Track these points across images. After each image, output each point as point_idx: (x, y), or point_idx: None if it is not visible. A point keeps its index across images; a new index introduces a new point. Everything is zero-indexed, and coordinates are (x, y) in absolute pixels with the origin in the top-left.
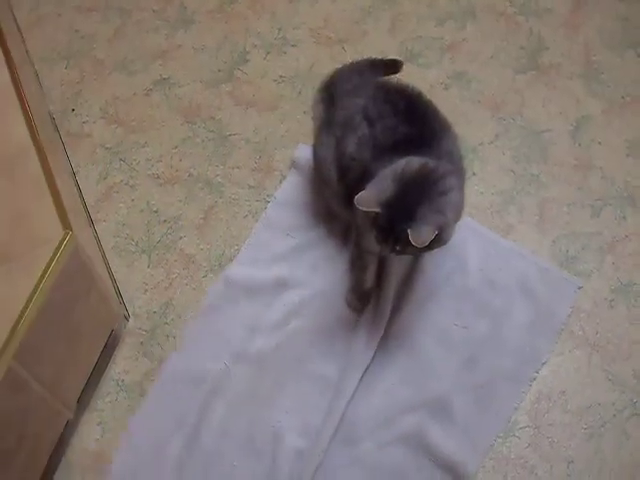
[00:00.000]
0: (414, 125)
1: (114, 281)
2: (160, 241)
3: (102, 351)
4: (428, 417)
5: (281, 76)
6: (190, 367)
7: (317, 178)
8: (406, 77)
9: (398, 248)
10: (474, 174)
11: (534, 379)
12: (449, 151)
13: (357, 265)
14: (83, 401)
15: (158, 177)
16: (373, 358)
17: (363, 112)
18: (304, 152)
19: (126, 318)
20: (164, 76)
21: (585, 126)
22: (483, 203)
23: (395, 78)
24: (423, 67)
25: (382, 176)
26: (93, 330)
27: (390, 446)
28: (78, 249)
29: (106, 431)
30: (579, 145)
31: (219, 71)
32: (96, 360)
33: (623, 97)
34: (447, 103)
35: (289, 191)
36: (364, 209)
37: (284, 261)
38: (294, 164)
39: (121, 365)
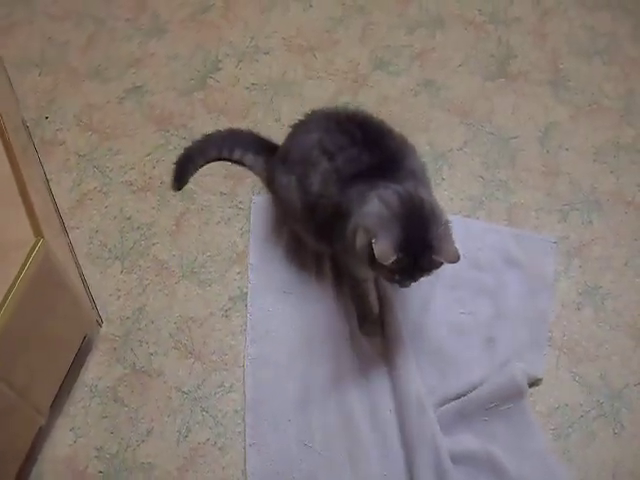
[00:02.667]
0: (374, 151)
1: (87, 287)
2: (133, 247)
3: (75, 357)
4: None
5: (253, 84)
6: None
7: (287, 220)
8: (376, 85)
9: (424, 275)
10: (443, 179)
11: (550, 339)
12: (412, 169)
13: (359, 294)
14: (56, 407)
15: (131, 184)
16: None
17: (319, 146)
18: (259, 207)
19: (99, 324)
20: (137, 84)
21: (553, 132)
22: (452, 208)
23: (342, 103)
24: (393, 75)
25: (374, 225)
26: (66, 336)
27: (451, 431)
28: (49, 255)
29: (79, 437)
30: (547, 151)
31: (191, 79)
32: (69, 366)
33: (590, 104)
34: (416, 110)
35: (261, 250)
36: (387, 263)
37: (292, 320)
38: (254, 222)
39: (94, 371)
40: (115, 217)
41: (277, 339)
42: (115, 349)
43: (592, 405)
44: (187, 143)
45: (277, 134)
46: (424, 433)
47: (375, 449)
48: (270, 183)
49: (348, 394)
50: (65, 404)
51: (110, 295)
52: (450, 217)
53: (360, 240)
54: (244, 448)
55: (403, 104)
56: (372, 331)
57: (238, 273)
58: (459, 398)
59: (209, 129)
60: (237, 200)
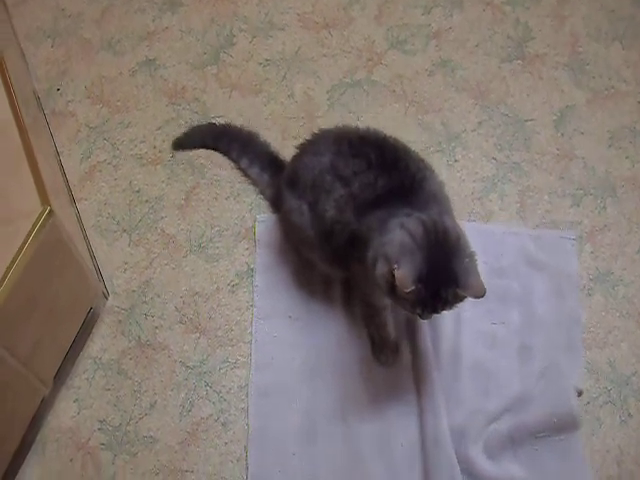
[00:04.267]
0: (392, 175)
1: (94, 259)
2: (141, 221)
3: (80, 328)
4: (514, 416)
5: (267, 60)
6: None
7: (296, 243)
8: (391, 64)
9: (445, 309)
10: (456, 160)
11: (584, 340)
12: (433, 193)
13: (375, 322)
14: (60, 378)
15: (141, 157)
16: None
17: (332, 171)
18: (264, 225)
19: (105, 296)
20: (150, 57)
21: (569, 116)
22: (464, 190)
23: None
24: (408, 54)
25: (395, 254)
26: (71, 307)
27: (497, 457)
28: (57, 225)
29: (82, 408)
30: (562, 135)
31: (205, 54)
32: (74, 337)
33: (607, 88)
34: (431, 90)
35: (267, 273)
36: (407, 292)
37: (299, 347)
38: (258, 242)
39: (99, 343)
40: (124, 190)
41: (282, 367)
42: (120, 322)
43: (600, 392)
44: (199, 117)
45: (290, 110)
46: (441, 470)
47: None
48: (276, 204)
49: (355, 428)
50: (69, 376)
51: (117, 268)
52: (470, 227)
53: (380, 268)
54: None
55: (418, 84)
56: (389, 360)
57: (246, 249)
58: (504, 415)
59: (221, 104)
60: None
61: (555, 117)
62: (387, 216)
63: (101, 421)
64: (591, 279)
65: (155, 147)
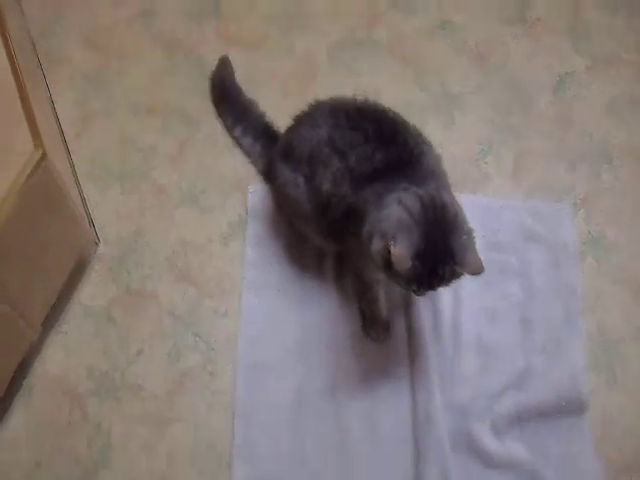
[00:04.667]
0: (389, 148)
1: (86, 206)
2: (134, 170)
3: (70, 274)
4: (518, 392)
5: (268, 14)
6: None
7: (289, 216)
8: (392, 23)
9: (442, 286)
10: (453, 123)
11: (581, 311)
12: (431, 168)
13: (367, 298)
14: (48, 324)
15: (136, 107)
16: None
17: (330, 144)
18: (256, 197)
19: (96, 243)
20: (148, 6)
21: (568, 82)
22: (460, 151)
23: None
24: (409, 14)
25: (392, 229)
26: (61, 252)
27: (503, 435)
28: (49, 168)
29: (70, 355)
30: (560, 100)
31: (204, 6)
32: (63, 283)
33: (608, 57)
34: (431, 51)
35: (258, 245)
36: (404, 269)
37: (289, 322)
38: (250, 214)
39: (88, 290)
40: (117, 139)
41: (271, 342)
42: (111, 269)
43: (588, 356)
44: (195, 69)
45: (290, 67)
46: (430, 451)
47: (372, 466)
48: (268, 176)
49: (345, 406)
50: (58, 322)
51: (108, 216)
52: (466, 201)
53: (376, 244)
54: (230, 452)
55: (418, 44)
56: (380, 337)
57: (239, 201)
58: (508, 391)
59: (219, 57)
60: None
61: (554, 82)
62: (384, 190)
63: (89, 368)
64: (584, 244)
65: (150, 97)
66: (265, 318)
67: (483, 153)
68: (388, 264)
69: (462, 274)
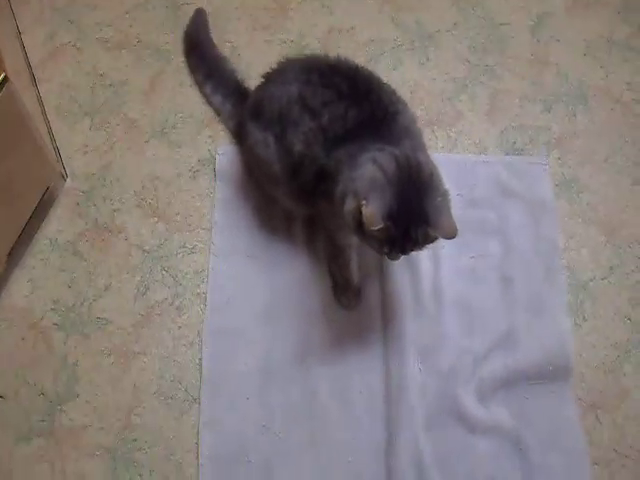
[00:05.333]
0: (363, 107)
1: (53, 140)
2: (104, 104)
3: (36, 208)
4: (504, 354)
5: None
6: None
7: (259, 178)
8: None
9: (415, 249)
10: (429, 59)
11: (564, 266)
12: (406, 127)
13: (339, 263)
14: (14, 257)
15: (106, 41)
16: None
17: (300, 102)
18: (225, 159)
19: (63, 178)
20: None
21: (546, 22)
22: (435, 89)
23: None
24: None
25: (364, 188)
26: (27, 184)
27: (488, 400)
28: (13, 94)
29: (36, 289)
30: (537, 41)
31: None
32: (29, 216)
33: None
34: None
35: (227, 209)
36: (375, 229)
37: (258, 287)
38: (218, 176)
39: (55, 224)
40: (87, 73)
41: (239, 308)
42: (78, 204)
43: None
44: (167, 3)
45: (260, 1)
46: (402, 419)
47: (340, 433)
48: (238, 136)
49: (314, 372)
50: (23, 255)
51: (77, 150)
52: (440, 159)
53: (348, 205)
54: (198, 419)
55: None
56: (351, 303)
57: (209, 136)
58: (493, 353)
59: None
60: None
61: (532, 23)
62: (358, 150)
63: (54, 301)
64: (556, 184)
65: (121, 31)
66: (233, 284)
67: (457, 91)
68: (360, 225)
69: (436, 238)
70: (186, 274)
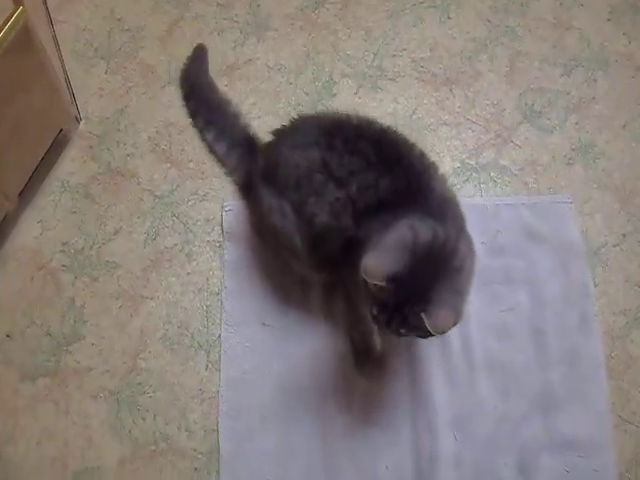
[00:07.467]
0: (396, 175)
1: (68, 82)
2: (121, 49)
3: (49, 150)
4: (543, 416)
5: None
6: None
7: (273, 245)
8: None
9: (402, 332)
10: (449, 18)
11: (596, 314)
12: (442, 195)
13: (360, 331)
14: (25, 197)
15: None
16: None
17: (324, 170)
18: (232, 215)
19: (77, 120)
20: None
21: None
22: (455, 48)
23: (342, 110)
24: None
25: (387, 244)
26: (41, 124)
27: (530, 470)
28: (29, 28)
29: (46, 229)
30: (560, 4)
31: None
32: (42, 156)
33: None
34: None
35: (237, 272)
36: (369, 280)
37: (273, 359)
38: (227, 235)
39: (68, 166)
40: (105, 17)
41: (254, 383)
42: (91, 147)
43: None
44: None
45: None
46: None
47: None
48: (246, 190)
49: (336, 448)
50: (35, 196)
51: (92, 94)
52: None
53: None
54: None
55: None
56: (373, 373)
57: (225, 85)
58: (531, 417)
59: None
60: (233, 12)
61: None
62: (391, 219)
63: (64, 243)
64: (573, 149)
65: None
66: (248, 356)
67: (477, 51)
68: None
69: (428, 332)
70: (197, 221)
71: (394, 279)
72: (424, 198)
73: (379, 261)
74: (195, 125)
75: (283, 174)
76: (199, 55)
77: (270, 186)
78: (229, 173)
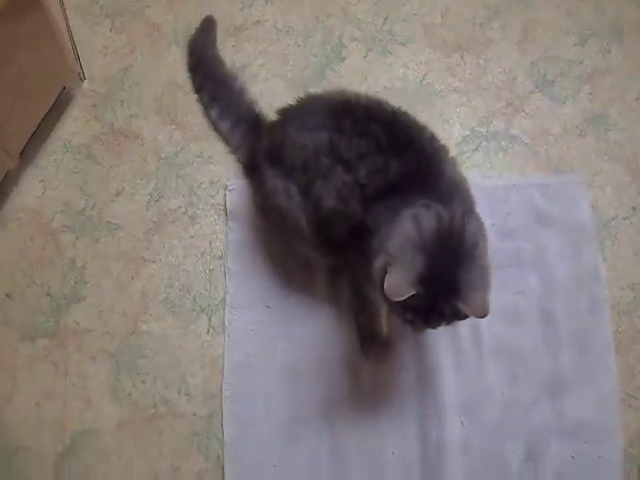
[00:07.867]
0: (406, 158)
1: (72, 39)
2: (126, 7)
3: (51, 108)
4: (552, 401)
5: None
6: None
7: (278, 226)
8: None
9: (443, 324)
10: None
11: (606, 298)
12: (452, 178)
13: (367, 314)
14: (27, 156)
15: None
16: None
17: (332, 152)
18: (236, 194)
19: (81, 79)
20: None
21: None
22: (467, 14)
23: (349, 90)
24: None
25: (396, 247)
26: (43, 81)
27: (538, 455)
28: None
29: (47, 189)
30: None
31: None
32: (44, 114)
33: None
34: None
35: (241, 253)
36: (398, 299)
37: (278, 342)
38: (230, 215)
39: (70, 126)
40: None
41: (258, 366)
42: (95, 106)
43: None
44: None
45: None
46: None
47: None
48: (250, 169)
49: (342, 434)
50: (36, 155)
51: (96, 52)
52: (471, 182)
53: (379, 262)
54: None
55: None
56: (380, 357)
57: (233, 46)
58: (540, 402)
59: None
60: None
61: None
62: (401, 204)
63: (65, 203)
64: (585, 120)
65: None
66: (252, 339)
67: (489, 18)
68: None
69: (466, 315)
70: (201, 184)
71: (420, 282)
72: (434, 182)
73: (399, 277)
74: (200, 100)
75: (289, 155)
76: (207, 27)
77: (275, 167)
78: (233, 151)
